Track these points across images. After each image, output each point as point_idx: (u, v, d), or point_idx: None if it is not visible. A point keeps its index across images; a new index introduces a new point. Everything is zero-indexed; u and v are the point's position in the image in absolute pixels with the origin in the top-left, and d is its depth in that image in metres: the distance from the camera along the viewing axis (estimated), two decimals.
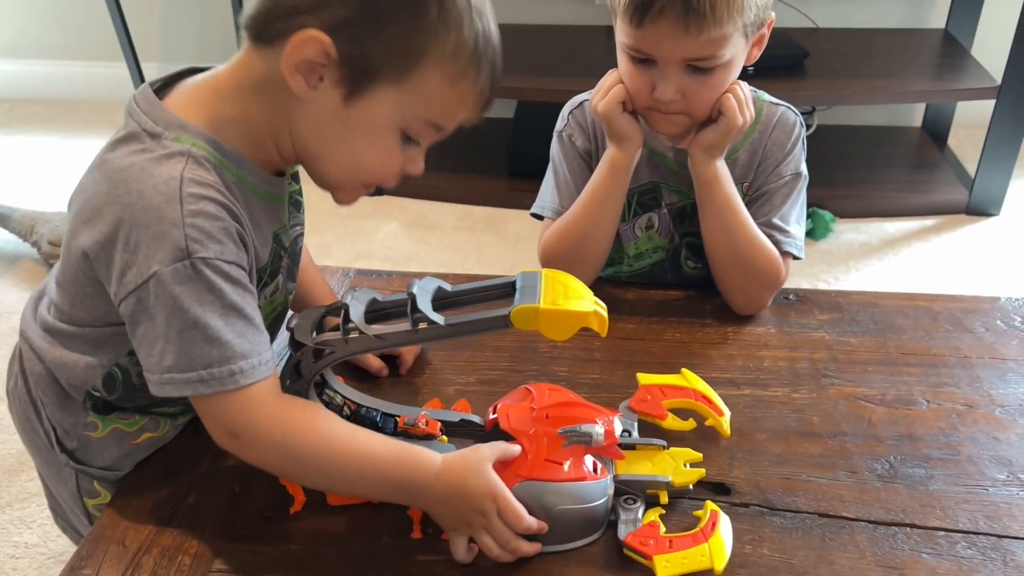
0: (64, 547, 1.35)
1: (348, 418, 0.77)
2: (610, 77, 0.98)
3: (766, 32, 0.96)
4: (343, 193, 0.77)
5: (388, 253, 2.10)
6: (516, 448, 0.73)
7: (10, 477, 1.47)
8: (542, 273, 0.72)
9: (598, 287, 1.05)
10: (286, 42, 0.66)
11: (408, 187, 2.31)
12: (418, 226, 2.21)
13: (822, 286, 1.90)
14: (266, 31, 0.68)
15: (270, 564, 0.72)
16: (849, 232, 2.10)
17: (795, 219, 1.03)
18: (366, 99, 0.68)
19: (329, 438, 0.70)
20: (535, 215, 1.10)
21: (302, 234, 0.87)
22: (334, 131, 0.70)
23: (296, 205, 0.85)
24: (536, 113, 2.39)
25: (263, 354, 0.68)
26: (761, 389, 0.91)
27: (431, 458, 0.71)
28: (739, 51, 0.93)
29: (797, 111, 1.05)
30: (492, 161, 2.34)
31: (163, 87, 0.73)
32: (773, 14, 0.95)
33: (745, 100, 0.96)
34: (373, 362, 0.91)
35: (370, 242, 2.15)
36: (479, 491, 0.70)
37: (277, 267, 0.79)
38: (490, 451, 0.72)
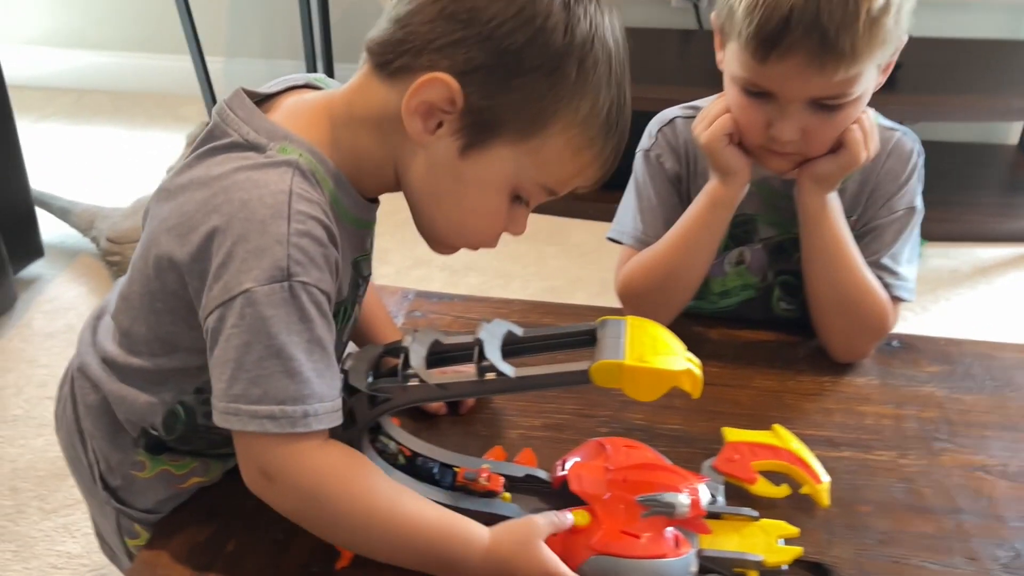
0: (106, 561, 1.31)
1: (402, 467, 0.69)
2: (716, 105, 0.88)
3: (894, 59, 0.85)
4: (442, 247, 0.72)
5: (447, 261, 2.03)
6: (569, 518, 0.65)
7: (57, 482, 1.44)
8: (627, 322, 0.63)
9: (676, 322, 0.97)
10: (411, 79, 0.61)
11: None
12: None
13: (908, 315, 1.77)
14: (392, 62, 0.63)
15: None
16: (937, 257, 1.97)
17: (907, 258, 0.93)
18: (484, 154, 0.63)
19: (369, 497, 0.63)
20: (612, 239, 1.01)
21: (367, 282, 0.80)
22: (444, 181, 0.65)
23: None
24: None
25: (337, 399, 0.62)
26: (864, 452, 0.81)
27: (479, 533, 0.63)
28: (870, 85, 0.83)
29: (915, 137, 0.94)
30: None
31: (263, 100, 0.68)
32: (906, 37, 0.84)
33: (870, 132, 0.85)
34: (433, 403, 0.84)
35: (428, 249, 2.08)
36: (530, 572, 0.62)
37: (355, 297, 0.73)
38: (545, 523, 0.64)
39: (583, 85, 0.62)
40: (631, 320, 0.64)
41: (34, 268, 1.93)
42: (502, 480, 0.70)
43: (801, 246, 0.90)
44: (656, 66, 2.15)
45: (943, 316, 1.81)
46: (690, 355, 0.63)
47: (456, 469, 0.70)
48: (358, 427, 0.65)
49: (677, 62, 2.23)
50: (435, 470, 0.70)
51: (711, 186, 0.89)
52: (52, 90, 2.76)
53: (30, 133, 2.39)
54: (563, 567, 0.62)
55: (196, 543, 0.72)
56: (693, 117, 0.93)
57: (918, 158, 0.93)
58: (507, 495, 0.70)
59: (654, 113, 2.31)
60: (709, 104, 0.89)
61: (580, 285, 1.96)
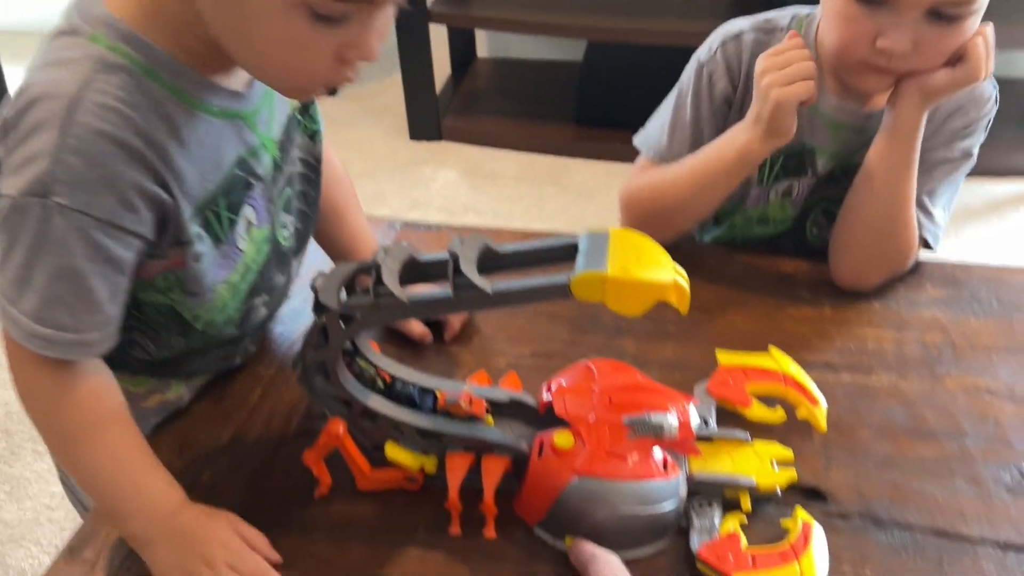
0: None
1: (382, 392, 0.66)
2: (797, 52, 0.79)
3: None
4: (290, 93, 0.64)
5: (445, 203, 1.99)
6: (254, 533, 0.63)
7: None
8: (611, 233, 0.60)
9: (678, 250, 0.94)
10: None
11: (467, 132, 2.19)
12: (477, 174, 2.10)
13: None
14: None
15: (288, 557, 0.63)
16: None
17: (943, 203, 0.88)
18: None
19: (89, 419, 0.61)
20: (636, 147, 0.96)
21: (317, 165, 0.75)
22: (229, 21, 0.55)
23: (303, 128, 0.73)
24: (608, 56, 2.23)
25: (86, 336, 0.58)
26: (863, 375, 0.78)
27: (170, 487, 0.63)
28: None
29: (995, 85, 0.88)
30: (558, 107, 2.20)
31: None
32: None
33: (992, 48, 0.78)
34: (415, 328, 0.81)
35: (427, 191, 2.05)
36: (203, 535, 0.61)
37: (239, 200, 0.66)
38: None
39: None
40: (615, 232, 0.60)
41: None
42: (484, 404, 0.67)
43: (867, 161, 0.84)
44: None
45: (953, 251, 1.76)
46: (678, 267, 0.59)
47: (437, 393, 0.67)
48: (331, 347, 0.62)
49: None
50: (415, 394, 0.67)
51: (747, 137, 0.82)
52: (17, 34, 2.70)
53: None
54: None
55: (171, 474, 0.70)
56: (764, 37, 0.88)
57: (993, 107, 0.87)
58: (490, 419, 0.67)
59: (657, 49, 2.24)
60: (789, 42, 0.81)
61: (581, 226, 1.91)
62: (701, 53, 0.91)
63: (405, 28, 2.03)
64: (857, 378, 0.78)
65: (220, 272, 0.66)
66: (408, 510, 0.66)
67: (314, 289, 0.61)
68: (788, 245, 0.95)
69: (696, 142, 0.90)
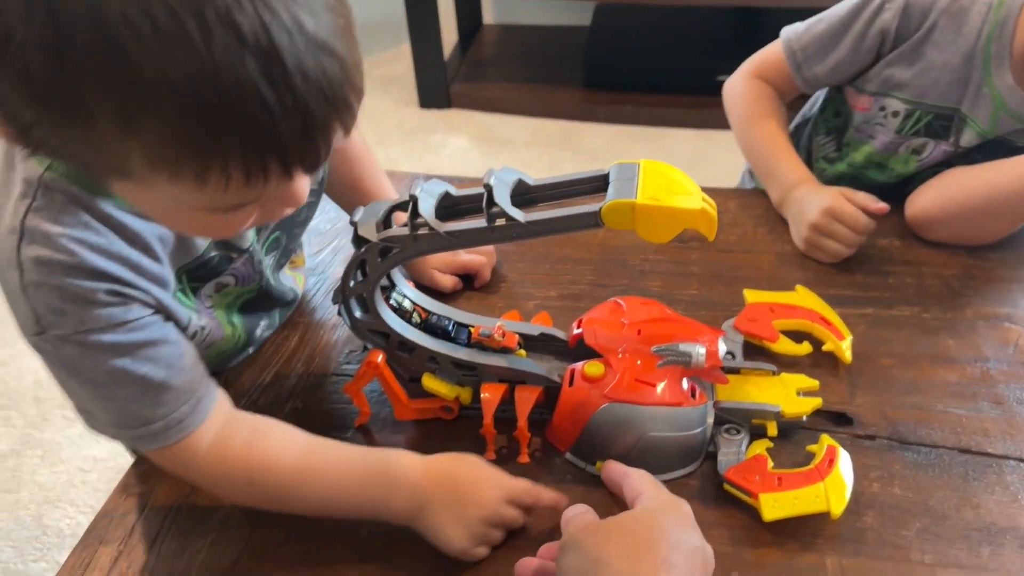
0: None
1: (418, 326, 0.68)
2: (841, 250, 0.84)
3: None
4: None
5: (456, 169, 2.00)
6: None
7: None
8: (641, 164, 0.61)
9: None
10: None
11: (476, 99, 2.20)
12: (488, 141, 2.10)
13: None
14: None
15: None
16: None
17: None
18: (114, 189, 0.49)
19: (283, 469, 0.59)
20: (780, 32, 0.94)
21: (319, 189, 0.74)
22: (147, 213, 0.52)
23: None
24: (616, 18, 2.23)
25: (178, 410, 0.56)
26: (886, 308, 0.79)
27: (412, 456, 0.61)
28: None
29: None
30: (566, 71, 2.20)
31: None
32: None
33: None
34: (445, 281, 0.82)
35: (438, 157, 2.06)
36: (477, 475, 0.61)
37: (217, 272, 0.64)
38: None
39: (116, 122, 0.41)
40: (645, 163, 0.61)
41: None
42: (517, 337, 0.69)
43: None
44: None
45: None
46: (706, 196, 0.61)
47: (471, 328, 0.69)
48: (370, 280, 0.64)
49: None
50: (450, 327, 0.69)
51: (778, 199, 0.90)
52: None
53: None
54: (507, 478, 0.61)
55: None
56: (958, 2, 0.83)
57: None
58: (523, 352, 0.69)
59: (663, 10, 2.24)
60: (859, 223, 0.83)
61: None
62: None
63: None
64: (880, 311, 0.79)
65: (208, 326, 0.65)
66: (444, 439, 0.68)
67: (353, 224, 0.63)
68: (891, 198, 0.87)
69: (836, 62, 0.88)
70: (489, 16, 2.51)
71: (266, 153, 0.43)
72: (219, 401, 0.60)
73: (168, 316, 0.58)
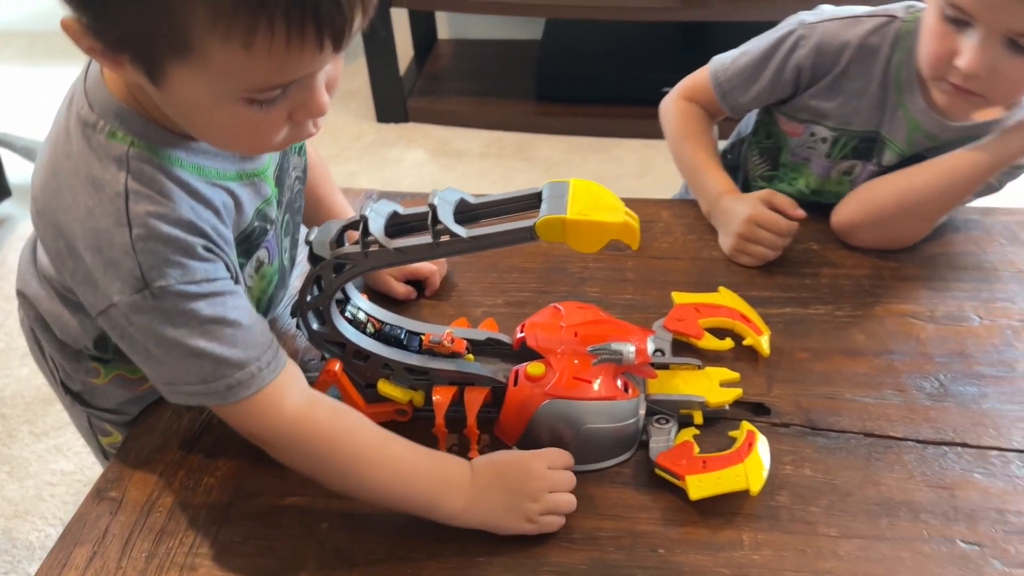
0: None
1: (372, 335, 0.74)
2: (766, 252, 0.92)
3: None
4: (255, 155, 0.68)
5: (415, 182, 2.06)
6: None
7: (45, 406, 1.48)
8: (570, 183, 0.68)
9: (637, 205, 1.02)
10: None
11: (432, 113, 2.25)
12: (444, 153, 2.16)
13: None
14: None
15: (297, 486, 0.71)
16: None
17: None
18: (169, 80, 0.55)
19: (361, 446, 0.66)
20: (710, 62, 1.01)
21: (302, 180, 0.80)
22: (174, 109, 0.58)
23: (293, 150, 0.77)
24: (565, 33, 2.31)
25: (263, 356, 0.62)
26: (802, 307, 0.87)
27: (461, 460, 0.69)
28: None
29: None
30: (519, 84, 2.27)
31: None
32: None
33: None
34: (399, 288, 0.88)
35: (396, 171, 2.11)
36: (516, 459, 0.68)
37: (258, 243, 0.71)
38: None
39: None
40: (574, 181, 0.68)
41: (3, 208, 1.94)
42: (465, 343, 0.75)
43: (956, 157, 0.88)
44: None
45: None
46: (629, 211, 0.67)
47: (422, 336, 0.75)
48: (325, 294, 0.70)
49: None
50: (403, 336, 0.75)
51: (707, 209, 0.97)
52: (4, 34, 2.72)
53: None
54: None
55: (185, 419, 0.77)
56: (873, 39, 0.90)
57: None
58: (470, 356, 0.75)
59: (612, 25, 2.33)
60: (781, 225, 0.91)
61: None
62: (808, 15, 0.93)
63: None
64: (797, 310, 0.86)
65: None
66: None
67: (308, 243, 0.69)
68: (824, 212, 0.97)
69: (758, 93, 0.96)
70: (444, 31, 2.57)
71: (305, 13, 0.50)
72: (293, 364, 0.65)
73: (236, 279, 0.65)
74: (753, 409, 0.76)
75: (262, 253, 0.73)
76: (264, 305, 0.77)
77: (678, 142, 1.02)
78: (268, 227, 0.72)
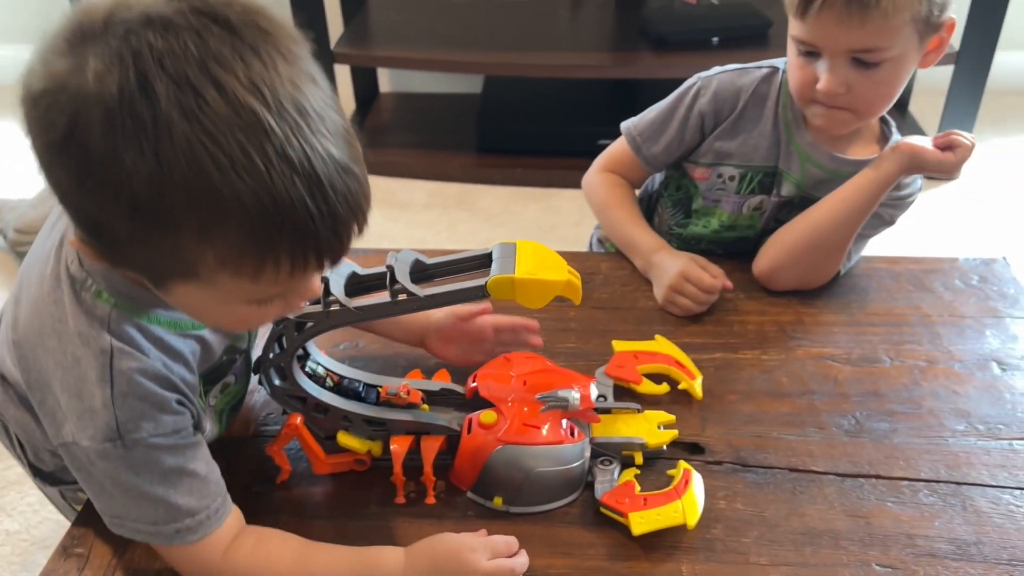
0: (47, 533, 1.35)
1: (331, 389, 0.78)
2: (692, 307, 0.99)
3: (945, 36, 0.93)
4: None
5: None
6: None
7: None
8: (517, 244, 0.74)
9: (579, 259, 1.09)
10: None
11: (375, 165, 2.30)
12: (389, 204, 2.21)
13: None
14: None
15: None
16: None
17: (861, 247, 1.05)
18: (171, 291, 0.59)
19: (282, 571, 0.68)
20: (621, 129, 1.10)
21: None
22: (174, 304, 0.63)
23: None
24: (504, 88, 2.40)
25: (212, 504, 0.66)
26: (731, 352, 0.94)
27: (393, 550, 0.69)
28: (910, 49, 0.91)
29: (921, 180, 1.04)
30: (460, 137, 2.34)
31: None
32: (953, 17, 0.92)
33: (968, 159, 0.94)
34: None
35: None
36: (454, 549, 0.68)
37: (225, 372, 0.76)
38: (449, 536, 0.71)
39: (206, 231, 0.52)
40: (521, 243, 0.74)
41: None
42: (420, 394, 0.80)
43: (842, 189, 0.98)
44: (550, 34, 2.25)
45: None
46: (571, 269, 0.73)
47: (379, 388, 0.79)
48: (287, 352, 0.74)
49: (567, 28, 2.34)
50: (360, 389, 0.79)
51: (642, 264, 1.05)
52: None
53: None
54: (479, 538, 0.70)
55: None
56: (762, 87, 1.02)
57: (917, 193, 1.03)
58: (426, 406, 0.80)
59: (549, 81, 2.44)
60: (711, 282, 0.99)
61: (492, 246, 2.06)
62: (705, 72, 1.06)
63: None
64: (727, 354, 0.93)
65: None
66: (360, 488, 0.78)
67: None
68: (743, 250, 1.07)
69: (667, 145, 1.06)
70: (385, 85, 2.63)
71: (307, 249, 0.55)
72: (235, 508, 0.69)
73: (198, 424, 0.68)
74: (689, 449, 0.82)
75: (229, 378, 0.77)
76: (227, 416, 0.80)
77: (606, 210, 1.11)
78: (236, 357, 0.77)
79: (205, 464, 0.67)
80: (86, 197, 0.53)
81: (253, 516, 0.74)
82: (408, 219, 2.15)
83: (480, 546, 0.69)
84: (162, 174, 0.50)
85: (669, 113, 1.06)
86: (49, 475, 0.82)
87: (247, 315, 0.62)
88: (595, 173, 1.13)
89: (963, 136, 0.94)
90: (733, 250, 1.08)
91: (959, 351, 0.94)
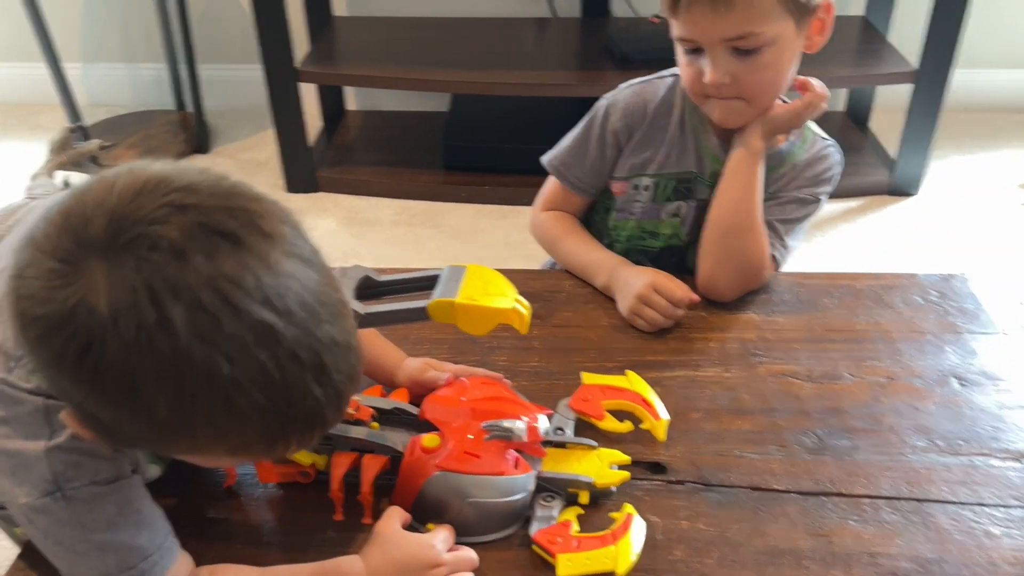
0: (5, 558, 1.31)
1: None
2: (661, 320, 0.98)
3: (825, 18, 0.96)
4: None
5: (327, 251, 2.03)
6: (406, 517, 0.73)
7: None
8: (467, 268, 0.72)
9: (542, 277, 1.08)
10: None
11: (342, 183, 2.29)
12: (355, 222, 2.19)
13: None
14: None
15: (207, 527, 0.73)
16: None
17: (793, 234, 1.05)
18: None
19: None
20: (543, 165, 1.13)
21: None
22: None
23: None
24: (470, 106, 2.40)
25: (163, 544, 0.66)
26: (693, 370, 0.93)
27: (351, 561, 0.69)
28: (785, 31, 0.93)
29: (841, 152, 1.07)
30: (427, 155, 2.33)
31: None
32: None
33: (826, 95, 0.99)
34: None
35: None
36: (413, 550, 0.69)
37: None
38: (389, 518, 0.72)
39: (213, 435, 0.55)
40: (470, 267, 0.73)
41: None
42: (371, 411, 0.78)
43: (723, 176, 1.01)
44: (515, 53, 2.26)
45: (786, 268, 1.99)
46: (520, 298, 0.72)
47: None
48: None
49: (534, 48, 2.34)
50: None
51: (602, 284, 1.04)
52: None
53: None
54: (435, 535, 0.70)
55: None
56: (667, 94, 1.05)
57: (838, 169, 1.06)
58: (375, 424, 0.78)
59: (515, 100, 2.46)
60: (680, 295, 0.98)
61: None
62: (609, 94, 1.09)
63: (277, 87, 2.12)
64: (688, 372, 0.93)
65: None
66: (302, 500, 0.76)
67: None
68: (670, 261, 1.08)
69: (591, 166, 1.09)
70: (352, 103, 2.62)
71: (315, 429, 0.58)
72: (184, 552, 0.69)
73: (136, 468, 0.68)
74: (651, 468, 0.81)
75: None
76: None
77: (556, 243, 1.11)
78: None
79: (148, 504, 0.67)
80: (97, 406, 0.54)
81: (208, 541, 0.73)
82: (374, 236, 2.13)
83: (435, 540, 0.70)
84: (182, 400, 0.51)
85: (584, 137, 1.09)
86: None
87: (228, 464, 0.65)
88: (536, 214, 1.15)
89: (812, 81, 1.00)
90: (661, 260, 1.08)
91: (919, 367, 0.94)
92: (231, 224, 0.52)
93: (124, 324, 0.49)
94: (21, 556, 0.73)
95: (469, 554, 0.71)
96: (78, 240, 0.51)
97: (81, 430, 0.58)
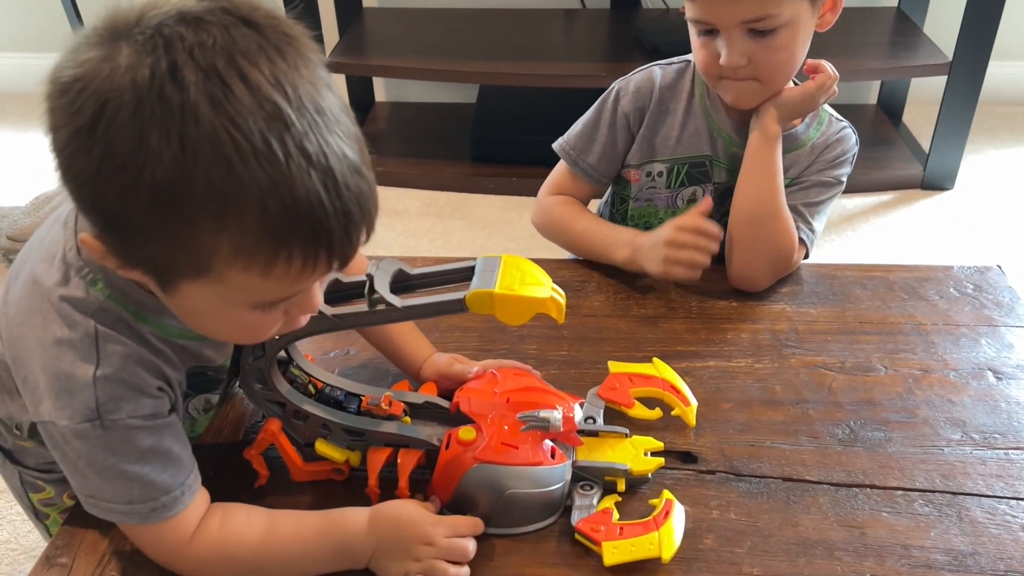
0: (36, 542, 1.34)
1: (312, 396, 0.77)
2: (700, 256, 0.98)
3: None
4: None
5: None
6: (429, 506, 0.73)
7: None
8: (502, 258, 0.72)
9: (571, 266, 1.08)
10: None
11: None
12: (383, 212, 2.13)
13: None
14: None
15: None
16: None
17: (819, 216, 1.05)
18: (179, 290, 0.59)
19: (251, 542, 0.69)
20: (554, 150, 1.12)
21: None
22: (176, 310, 0.63)
23: None
24: (498, 97, 2.39)
25: (186, 481, 0.67)
26: (725, 361, 0.93)
27: (357, 511, 0.71)
28: (802, 12, 0.93)
29: (856, 133, 1.07)
30: (455, 146, 2.34)
31: None
32: None
33: (835, 76, 0.98)
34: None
35: None
36: (416, 519, 0.70)
37: (208, 388, 0.76)
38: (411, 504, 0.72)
39: (220, 220, 0.52)
40: (505, 257, 0.72)
41: None
42: (403, 406, 0.78)
43: (743, 164, 1.01)
44: (544, 44, 2.25)
45: (815, 261, 1.97)
46: (555, 287, 0.72)
47: (361, 397, 0.78)
48: (267, 357, 0.72)
49: (563, 39, 2.34)
50: (342, 397, 0.77)
51: (624, 258, 1.03)
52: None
53: None
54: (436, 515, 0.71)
55: None
56: (673, 77, 1.06)
57: (855, 147, 1.06)
58: (407, 419, 0.78)
59: (543, 91, 2.46)
60: (705, 226, 0.98)
61: (485, 255, 2.05)
62: (621, 78, 1.09)
63: None
64: (719, 363, 0.92)
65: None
66: (337, 498, 0.75)
67: None
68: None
69: (602, 152, 1.08)
70: (381, 94, 2.63)
71: (320, 244, 0.55)
72: (202, 488, 0.70)
73: (174, 408, 0.69)
74: (682, 458, 0.81)
75: (212, 396, 0.77)
76: (205, 425, 0.81)
77: (566, 229, 1.10)
78: (222, 376, 0.76)
79: (181, 441, 0.68)
80: (106, 185, 0.53)
81: None
82: (403, 227, 2.14)
83: (443, 522, 0.71)
84: (185, 159, 0.50)
85: (595, 121, 1.08)
86: (8, 452, 0.81)
87: (249, 322, 0.62)
88: (543, 199, 1.13)
89: (823, 62, 0.99)
90: None
91: (954, 360, 0.93)
92: (256, 15, 0.54)
93: (138, 72, 0.50)
94: (59, 534, 0.74)
95: (465, 544, 0.70)
96: (114, 22, 0.53)
97: (94, 247, 0.58)
